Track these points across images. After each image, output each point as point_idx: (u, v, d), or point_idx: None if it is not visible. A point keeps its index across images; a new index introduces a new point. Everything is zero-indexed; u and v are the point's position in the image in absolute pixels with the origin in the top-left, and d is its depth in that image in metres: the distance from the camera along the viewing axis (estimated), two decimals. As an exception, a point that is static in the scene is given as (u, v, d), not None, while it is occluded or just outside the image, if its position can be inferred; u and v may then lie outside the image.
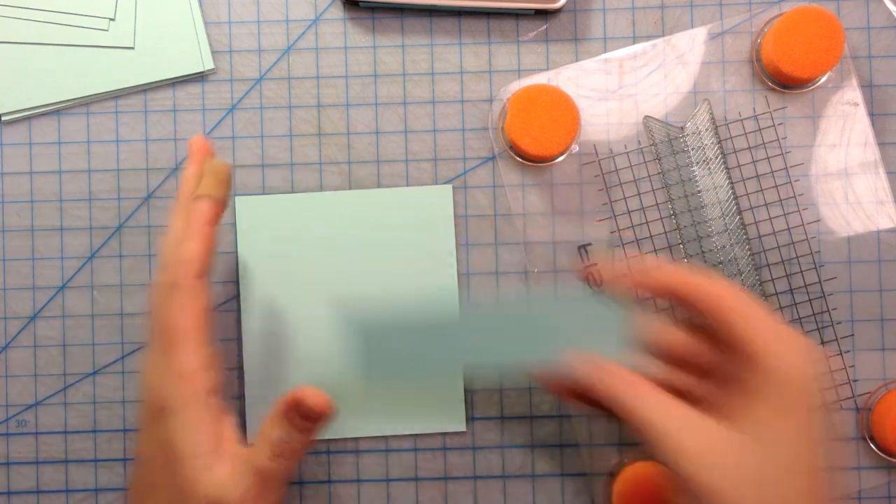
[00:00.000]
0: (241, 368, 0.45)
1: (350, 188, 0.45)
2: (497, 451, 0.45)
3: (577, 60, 0.45)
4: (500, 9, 0.44)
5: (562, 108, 0.43)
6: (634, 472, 0.42)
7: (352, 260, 0.44)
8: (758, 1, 0.45)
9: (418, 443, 0.45)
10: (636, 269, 0.37)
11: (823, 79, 0.44)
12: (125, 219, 0.45)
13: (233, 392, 0.45)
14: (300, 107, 0.45)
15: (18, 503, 0.45)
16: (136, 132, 0.45)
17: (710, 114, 0.43)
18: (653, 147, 0.44)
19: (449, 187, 0.45)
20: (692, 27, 0.45)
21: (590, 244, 0.44)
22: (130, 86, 0.45)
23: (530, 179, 0.45)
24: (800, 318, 0.44)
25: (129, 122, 0.45)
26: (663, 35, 0.45)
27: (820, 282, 0.44)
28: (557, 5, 0.44)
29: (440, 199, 0.45)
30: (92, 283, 0.45)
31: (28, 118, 0.45)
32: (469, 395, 0.44)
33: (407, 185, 0.45)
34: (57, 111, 0.45)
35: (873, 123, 0.44)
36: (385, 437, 0.45)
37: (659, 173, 0.44)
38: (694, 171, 0.43)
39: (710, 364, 0.36)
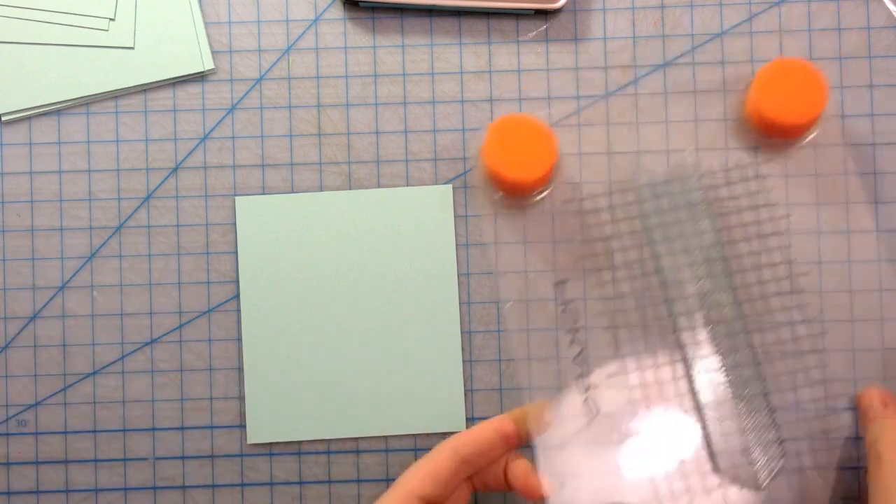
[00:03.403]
0: (240, 369, 0.45)
1: (350, 188, 0.45)
2: (497, 451, 0.45)
3: (577, 60, 0.45)
4: (500, 9, 0.44)
5: (539, 138, 0.42)
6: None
7: (352, 260, 0.44)
8: (758, 1, 0.45)
9: (418, 443, 0.45)
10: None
11: (813, 133, 0.44)
12: (125, 219, 0.45)
13: (233, 392, 0.45)
14: (300, 107, 0.45)
15: (18, 503, 0.45)
16: (136, 132, 0.45)
17: (695, 161, 0.43)
18: (635, 190, 0.44)
19: (449, 187, 0.45)
20: (692, 30, 0.45)
21: (566, 280, 0.44)
22: (130, 86, 0.45)
23: (504, 209, 0.45)
24: (794, 373, 0.43)
25: (129, 122, 0.45)
26: (663, 35, 0.45)
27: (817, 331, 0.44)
28: (557, 5, 0.44)
29: (440, 199, 0.45)
30: (92, 283, 0.45)
31: (28, 118, 0.45)
32: (469, 394, 0.44)
33: (407, 185, 0.45)
34: (57, 111, 0.45)
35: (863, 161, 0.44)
36: (385, 437, 0.45)
37: (639, 217, 0.44)
38: (679, 216, 0.43)
39: None
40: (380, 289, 0.44)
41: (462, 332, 0.44)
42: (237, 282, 0.45)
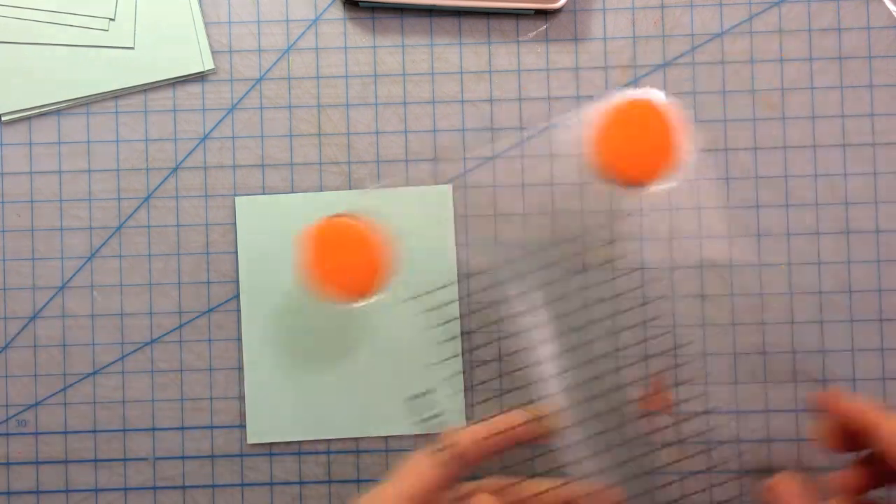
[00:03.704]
0: (240, 369, 0.45)
1: (350, 188, 0.45)
2: (497, 451, 0.45)
3: (577, 60, 0.45)
4: (500, 9, 0.44)
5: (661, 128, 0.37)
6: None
7: None
8: (758, 1, 0.45)
9: (418, 443, 0.45)
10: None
11: (671, 182, 0.39)
12: (125, 219, 0.45)
13: (233, 392, 0.45)
14: (300, 107, 0.45)
15: (18, 503, 0.45)
16: (136, 132, 0.45)
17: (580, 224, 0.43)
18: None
19: (449, 187, 0.45)
20: (692, 30, 0.45)
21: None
22: (130, 86, 0.45)
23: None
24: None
25: (129, 122, 0.45)
26: (663, 35, 0.45)
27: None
28: (557, 5, 0.44)
29: (440, 199, 0.45)
30: (92, 283, 0.45)
31: (28, 118, 0.45)
32: (469, 393, 0.44)
33: (407, 186, 0.45)
34: (57, 111, 0.45)
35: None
36: (385, 437, 0.45)
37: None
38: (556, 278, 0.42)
39: None
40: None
41: (462, 333, 0.44)
42: (237, 282, 0.45)
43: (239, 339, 0.45)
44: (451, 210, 0.45)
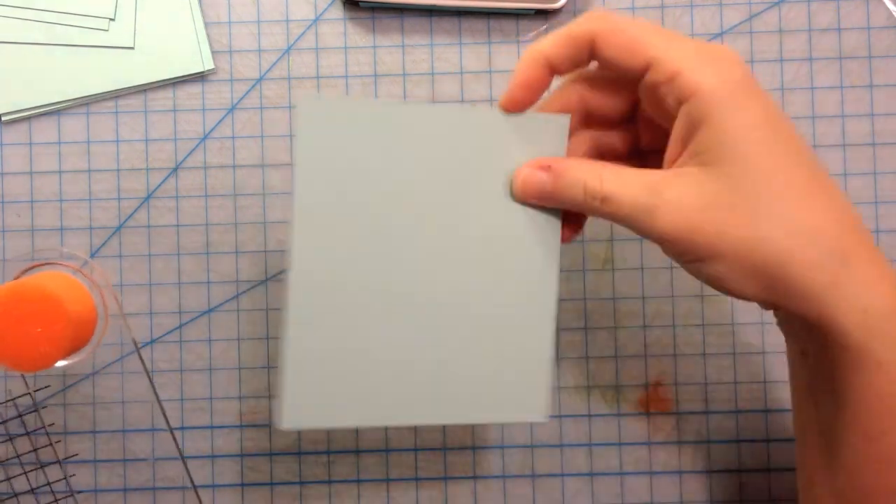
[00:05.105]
0: (240, 369, 0.45)
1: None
2: (497, 451, 0.45)
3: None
4: (500, 9, 0.44)
5: None
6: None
7: (439, 198, 0.34)
8: (758, 1, 0.45)
9: (418, 442, 0.45)
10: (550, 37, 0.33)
11: None
12: (125, 219, 0.45)
13: (233, 392, 0.45)
14: (300, 107, 0.45)
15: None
16: (136, 132, 0.45)
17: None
18: None
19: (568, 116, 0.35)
20: (692, 30, 0.45)
21: None
22: (130, 86, 0.45)
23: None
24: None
25: (129, 122, 0.45)
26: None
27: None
28: (557, 5, 0.44)
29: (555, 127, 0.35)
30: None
31: (28, 118, 0.45)
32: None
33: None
34: (57, 111, 0.45)
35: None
36: (385, 438, 0.45)
37: None
38: None
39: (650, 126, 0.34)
40: (466, 245, 0.34)
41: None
42: (237, 282, 0.45)
43: (239, 340, 0.45)
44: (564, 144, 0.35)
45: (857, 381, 0.30)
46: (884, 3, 0.45)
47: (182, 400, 0.45)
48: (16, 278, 0.38)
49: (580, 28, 0.32)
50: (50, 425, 0.44)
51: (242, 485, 0.45)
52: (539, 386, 0.35)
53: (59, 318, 0.35)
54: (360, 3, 0.45)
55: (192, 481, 0.45)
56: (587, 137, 0.35)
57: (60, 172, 0.45)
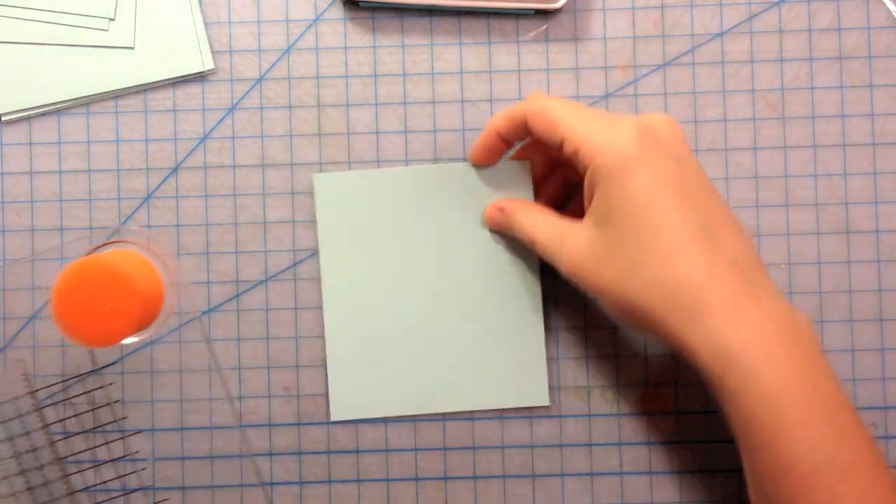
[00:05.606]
0: (240, 369, 0.45)
1: (350, 188, 0.45)
2: (497, 451, 0.45)
3: (576, 60, 0.45)
4: (500, 9, 0.44)
5: None
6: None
7: (434, 235, 0.44)
8: (758, 1, 0.45)
9: (418, 443, 0.45)
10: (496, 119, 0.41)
11: None
12: (125, 219, 0.45)
13: (233, 392, 0.45)
14: (300, 107, 0.45)
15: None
16: (136, 132, 0.45)
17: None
18: None
19: (526, 163, 0.44)
20: (692, 30, 0.45)
21: None
22: (130, 86, 0.45)
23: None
24: None
25: (129, 122, 0.45)
26: (663, 35, 0.45)
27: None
28: (557, 5, 0.44)
29: (520, 173, 0.44)
30: (92, 283, 0.45)
31: (28, 118, 0.45)
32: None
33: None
34: (57, 111, 0.45)
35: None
36: (385, 438, 0.45)
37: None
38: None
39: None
40: (463, 266, 0.44)
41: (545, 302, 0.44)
42: (237, 282, 0.45)
43: (239, 340, 0.45)
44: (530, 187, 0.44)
45: (726, 406, 0.34)
46: (884, 3, 0.45)
47: (182, 401, 0.45)
48: (87, 255, 0.38)
49: (516, 110, 0.39)
50: (116, 402, 0.44)
51: (242, 485, 0.45)
52: (537, 375, 0.44)
53: (129, 295, 0.35)
54: (360, 3, 0.45)
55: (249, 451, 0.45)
56: (560, 173, 0.44)
57: (60, 172, 0.45)
